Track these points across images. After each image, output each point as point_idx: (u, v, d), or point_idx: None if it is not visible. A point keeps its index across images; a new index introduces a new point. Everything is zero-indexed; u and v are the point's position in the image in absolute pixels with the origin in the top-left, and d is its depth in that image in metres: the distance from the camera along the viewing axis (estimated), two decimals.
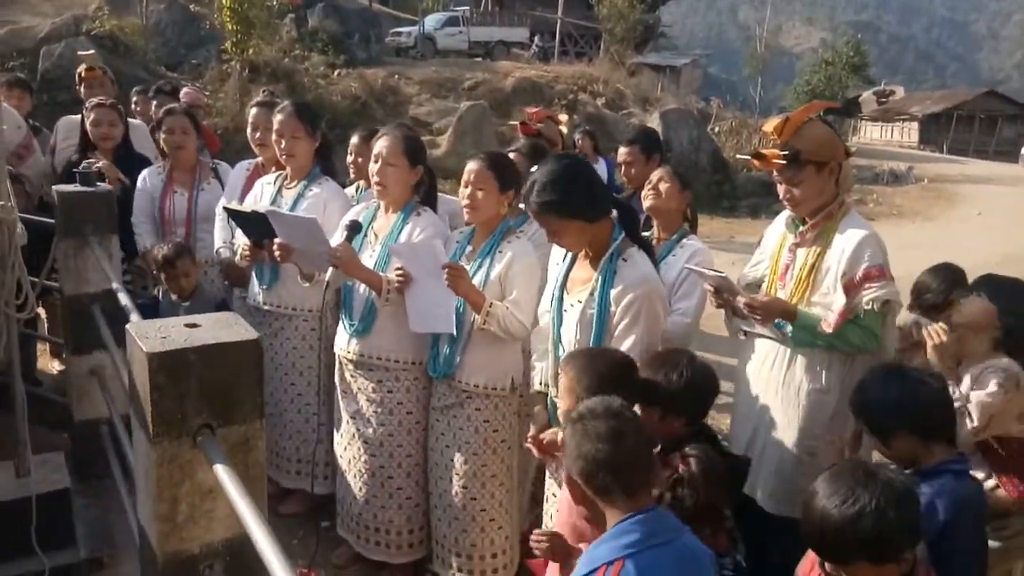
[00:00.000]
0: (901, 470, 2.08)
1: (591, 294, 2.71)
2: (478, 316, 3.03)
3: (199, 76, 16.89)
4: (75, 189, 3.49)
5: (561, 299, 2.84)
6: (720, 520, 2.24)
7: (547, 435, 2.70)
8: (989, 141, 43.39)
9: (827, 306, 2.78)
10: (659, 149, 4.53)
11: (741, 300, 2.89)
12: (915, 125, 44.73)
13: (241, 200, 4.07)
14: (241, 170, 4.38)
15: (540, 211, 2.66)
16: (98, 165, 4.29)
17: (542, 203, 2.64)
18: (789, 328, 2.85)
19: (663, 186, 3.47)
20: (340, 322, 3.50)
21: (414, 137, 3.46)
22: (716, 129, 22.39)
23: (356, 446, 3.44)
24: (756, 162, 2.92)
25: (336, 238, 3.28)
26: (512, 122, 13.97)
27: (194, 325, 1.67)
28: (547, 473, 3.02)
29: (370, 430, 3.39)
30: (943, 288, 3.22)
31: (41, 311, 4.96)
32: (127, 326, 1.69)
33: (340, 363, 3.51)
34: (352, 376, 3.45)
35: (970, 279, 3.17)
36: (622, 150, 4.50)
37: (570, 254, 2.89)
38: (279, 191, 3.88)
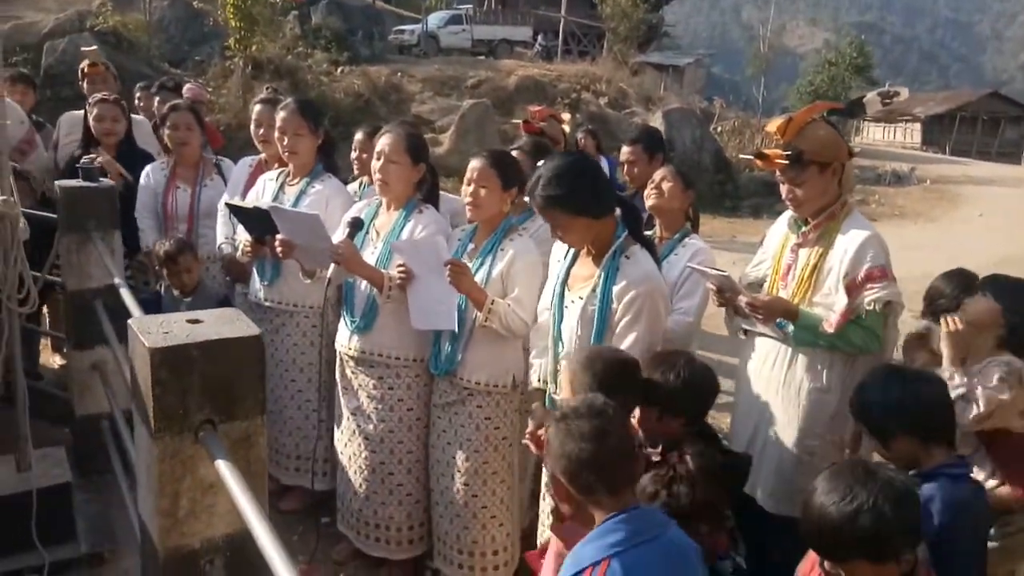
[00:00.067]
0: (902, 470, 2.08)
1: (593, 290, 2.72)
2: (480, 313, 3.04)
3: (202, 72, 16.91)
4: (78, 184, 3.50)
5: (562, 296, 2.85)
6: (719, 519, 2.24)
7: (544, 432, 2.70)
8: (992, 142, 43.33)
9: (829, 306, 2.78)
10: (662, 148, 4.52)
11: (743, 299, 2.89)
12: (918, 126, 44.68)
13: (243, 196, 4.07)
14: (244, 166, 4.38)
15: (545, 205, 2.67)
16: (99, 160, 4.30)
17: (547, 197, 2.64)
18: (791, 328, 2.85)
19: (666, 185, 3.47)
20: (341, 319, 3.51)
21: (417, 135, 3.46)
22: (719, 129, 22.38)
23: (357, 442, 3.44)
24: (759, 162, 2.92)
25: (338, 235, 3.28)
26: (515, 121, 14.01)
27: (196, 321, 1.67)
28: (543, 469, 3.03)
29: (371, 426, 3.39)
30: (956, 293, 3.21)
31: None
32: (129, 321, 1.70)
33: (341, 360, 3.51)
34: (353, 373, 3.45)
35: None
36: (625, 149, 4.50)
37: (572, 251, 2.89)
38: (281, 188, 3.88)
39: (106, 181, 3.65)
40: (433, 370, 3.28)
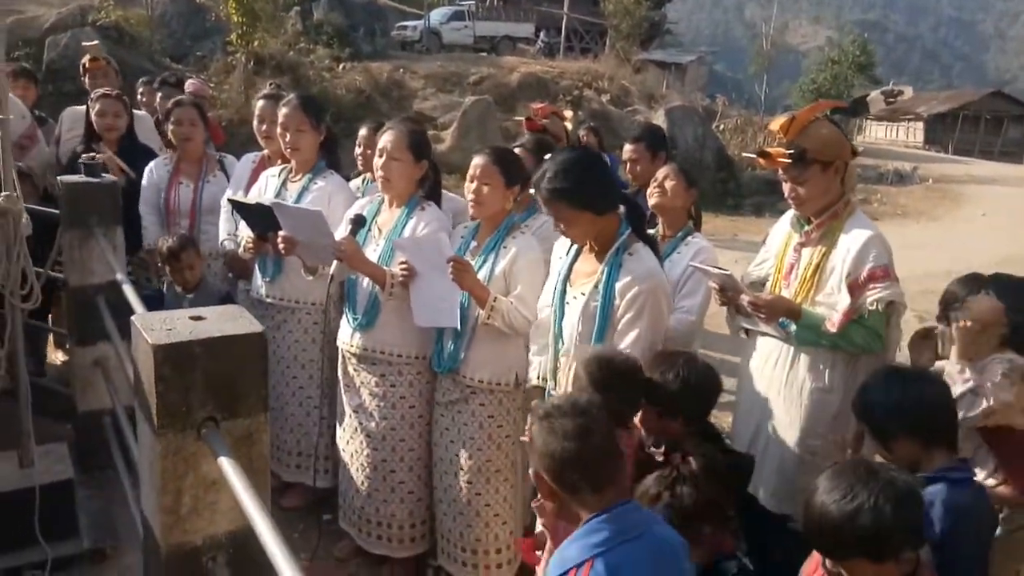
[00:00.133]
0: (905, 470, 2.08)
1: (595, 286, 2.72)
2: (482, 311, 3.03)
3: (204, 68, 16.91)
4: (80, 180, 3.50)
5: (564, 292, 2.84)
6: (723, 519, 2.23)
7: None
8: (995, 141, 43.29)
9: (831, 306, 2.78)
10: (665, 147, 4.52)
11: (745, 298, 2.89)
12: (920, 125, 44.65)
13: (246, 192, 4.07)
14: (247, 162, 4.38)
15: (550, 197, 2.67)
16: (101, 157, 4.29)
17: (552, 190, 2.65)
18: (793, 327, 2.85)
19: (668, 184, 3.46)
20: (343, 316, 3.51)
21: (419, 131, 3.46)
22: (721, 127, 22.35)
23: (359, 440, 3.45)
24: (762, 160, 2.92)
25: (340, 231, 3.28)
26: (517, 118, 13.99)
27: (199, 318, 1.67)
28: None
29: (373, 424, 3.39)
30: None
31: None
32: (132, 318, 1.70)
33: (343, 357, 3.51)
34: (355, 370, 3.45)
35: None
36: (627, 147, 4.49)
37: (574, 248, 2.89)
38: (284, 184, 3.88)
39: (108, 177, 3.65)
40: (436, 368, 3.28)
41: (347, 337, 3.45)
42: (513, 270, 3.09)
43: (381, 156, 3.32)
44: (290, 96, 3.88)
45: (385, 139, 3.32)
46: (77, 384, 3.64)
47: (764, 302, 2.85)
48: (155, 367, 1.55)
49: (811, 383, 2.86)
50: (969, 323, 2.62)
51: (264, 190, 3.93)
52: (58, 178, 3.72)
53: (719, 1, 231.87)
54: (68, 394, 3.85)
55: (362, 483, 3.46)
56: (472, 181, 3.15)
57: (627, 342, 2.66)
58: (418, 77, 20.60)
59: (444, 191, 3.67)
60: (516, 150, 3.64)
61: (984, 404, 2.51)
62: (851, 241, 2.77)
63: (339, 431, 3.58)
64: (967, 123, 43.83)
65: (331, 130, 4.04)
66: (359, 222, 3.29)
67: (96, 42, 6.93)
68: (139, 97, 6.01)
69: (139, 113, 5.29)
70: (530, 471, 1.99)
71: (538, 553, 2.41)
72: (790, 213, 3.03)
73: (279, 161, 4.08)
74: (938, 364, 2.74)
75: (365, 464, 3.44)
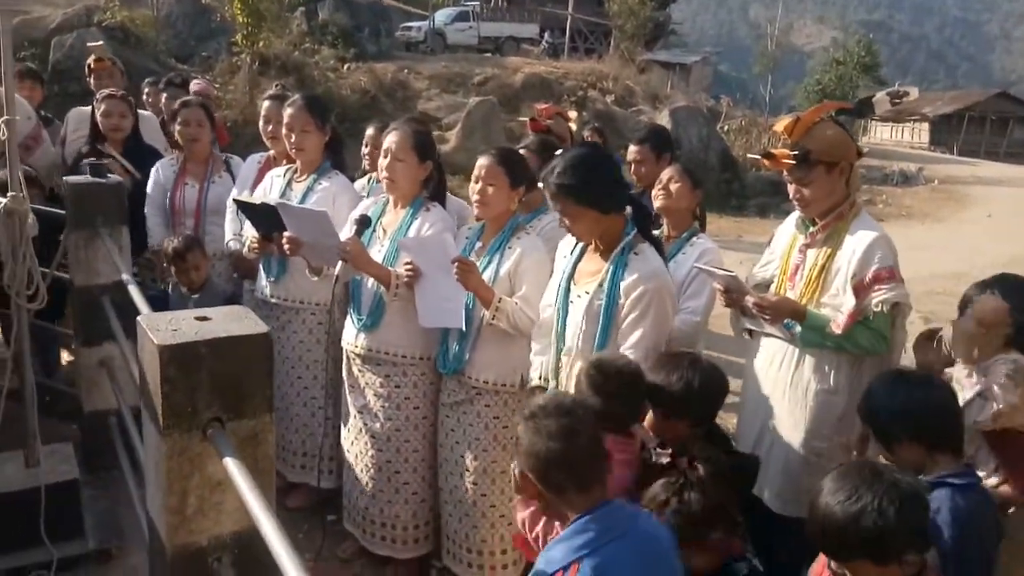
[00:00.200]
0: (910, 473, 2.07)
1: (600, 285, 2.72)
2: (487, 312, 3.04)
3: (209, 68, 16.93)
4: (85, 180, 3.51)
5: (567, 291, 2.84)
6: (732, 524, 2.23)
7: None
8: (1000, 142, 43.20)
9: (836, 307, 2.77)
10: (670, 148, 4.51)
11: (750, 300, 2.89)
12: (926, 126, 44.56)
13: (251, 193, 4.08)
14: (253, 163, 4.39)
15: (557, 192, 2.68)
16: (108, 161, 4.30)
17: (560, 185, 2.66)
18: (798, 328, 2.84)
19: (673, 186, 3.46)
20: (348, 316, 3.51)
21: (424, 132, 3.46)
22: (725, 127, 22.35)
23: (363, 441, 3.45)
24: (766, 162, 2.91)
25: (345, 232, 3.28)
26: (521, 118, 13.99)
27: (205, 318, 1.67)
28: None
29: (377, 425, 3.39)
30: None
31: None
32: (139, 318, 1.70)
33: (348, 357, 3.51)
34: (359, 371, 3.45)
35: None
36: (632, 149, 4.48)
37: (578, 247, 2.89)
38: (288, 184, 3.88)
39: (114, 177, 3.66)
40: (441, 369, 3.28)
41: (351, 338, 3.45)
42: (518, 271, 3.09)
43: (385, 157, 3.32)
44: (295, 97, 3.88)
45: (389, 140, 3.32)
46: (83, 384, 3.66)
47: (769, 303, 2.85)
48: (161, 367, 1.56)
49: (816, 384, 2.86)
50: (971, 324, 2.62)
51: (269, 190, 3.94)
52: (64, 179, 3.73)
53: (724, 1, 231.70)
54: (74, 394, 3.86)
55: (366, 484, 3.46)
56: (477, 182, 3.15)
57: (631, 342, 2.66)
58: (422, 78, 20.62)
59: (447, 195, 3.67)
60: (520, 151, 3.64)
61: (993, 407, 2.51)
62: (856, 242, 2.76)
63: (343, 432, 3.59)
64: (973, 124, 43.74)
65: (336, 130, 4.04)
66: (364, 223, 3.29)
67: (101, 43, 6.95)
68: (144, 97, 6.03)
69: (144, 113, 5.30)
70: (516, 470, 2.00)
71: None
72: (795, 214, 3.02)
73: (285, 162, 4.09)
74: (947, 371, 2.74)
75: (369, 465, 3.44)
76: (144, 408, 1.73)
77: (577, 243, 2.90)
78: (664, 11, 36.25)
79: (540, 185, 2.80)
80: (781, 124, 2.90)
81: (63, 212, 3.60)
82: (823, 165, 2.76)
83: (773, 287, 3.04)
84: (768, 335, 3.00)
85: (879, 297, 2.70)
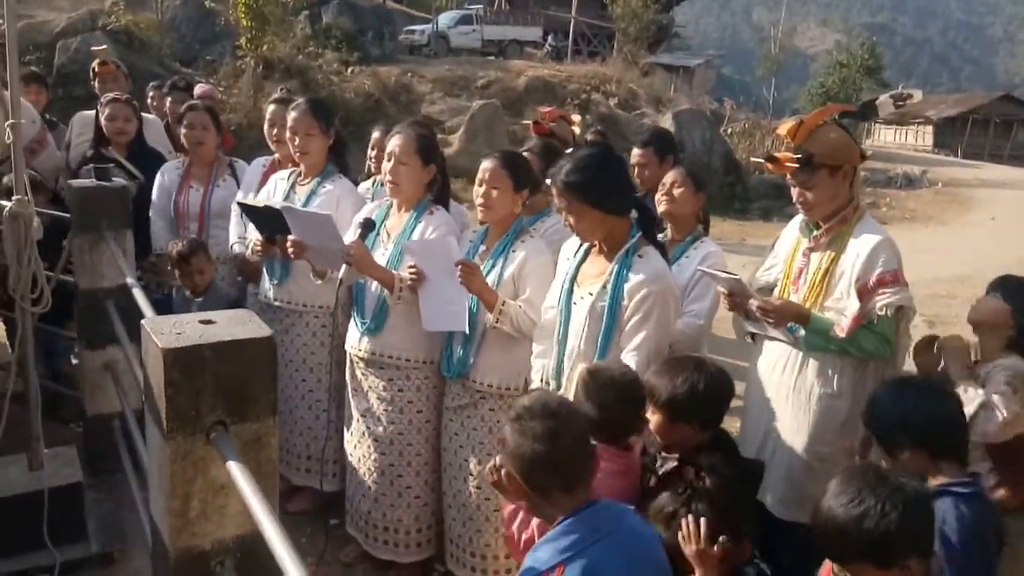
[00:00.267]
0: (916, 477, 2.06)
1: (604, 287, 2.72)
2: (491, 315, 3.03)
3: (213, 72, 16.98)
4: (90, 184, 3.51)
5: (571, 292, 2.84)
6: (739, 531, 2.22)
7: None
8: (1004, 145, 43.11)
9: (840, 311, 2.76)
10: (673, 151, 4.50)
11: (754, 303, 2.88)
12: (929, 129, 44.50)
13: (256, 196, 4.08)
14: (257, 166, 4.39)
15: (564, 189, 2.69)
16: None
17: (567, 182, 2.67)
18: (802, 332, 2.84)
19: (677, 191, 3.45)
20: (351, 320, 3.51)
21: (427, 135, 3.46)
22: (729, 130, 22.33)
23: (366, 444, 3.45)
24: (769, 165, 2.91)
25: (349, 236, 3.28)
26: (524, 121, 13.98)
27: (209, 321, 1.68)
28: None
29: (380, 428, 3.39)
30: None
31: None
32: (143, 322, 1.70)
33: (351, 361, 3.51)
34: (363, 374, 3.45)
35: (983, 284, 3.15)
36: (636, 152, 4.48)
37: (582, 249, 2.89)
38: (292, 187, 3.89)
39: (118, 180, 3.67)
40: (445, 373, 3.28)
41: (355, 341, 3.45)
42: (522, 274, 3.08)
43: (389, 160, 3.32)
44: (299, 100, 3.89)
45: (393, 143, 3.32)
46: (87, 387, 3.66)
47: (773, 307, 2.84)
48: (165, 371, 1.56)
49: (819, 388, 2.85)
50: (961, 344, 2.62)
51: (272, 193, 3.94)
52: (68, 182, 3.73)
53: (727, 4, 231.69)
54: (78, 397, 3.86)
55: (369, 488, 3.46)
56: (481, 185, 3.15)
57: (634, 344, 2.66)
58: (426, 81, 20.64)
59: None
60: (524, 154, 3.63)
61: (998, 418, 2.49)
62: (860, 246, 2.75)
63: (347, 435, 3.59)
64: (976, 127, 43.67)
65: (340, 134, 4.04)
66: (368, 226, 3.29)
67: (105, 47, 6.98)
68: (149, 101, 6.04)
69: (148, 117, 5.31)
70: (502, 471, 2.00)
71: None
72: (799, 218, 3.01)
73: (290, 165, 4.09)
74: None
75: (372, 468, 3.44)
76: (148, 411, 1.73)
77: (581, 245, 2.91)
78: (667, 14, 36.24)
79: (548, 181, 2.81)
80: (784, 127, 2.90)
81: (68, 216, 3.61)
82: (826, 168, 2.76)
83: (777, 291, 3.03)
84: (771, 339, 3.00)
85: (883, 301, 2.70)
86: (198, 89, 6.33)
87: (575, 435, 1.92)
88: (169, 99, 5.64)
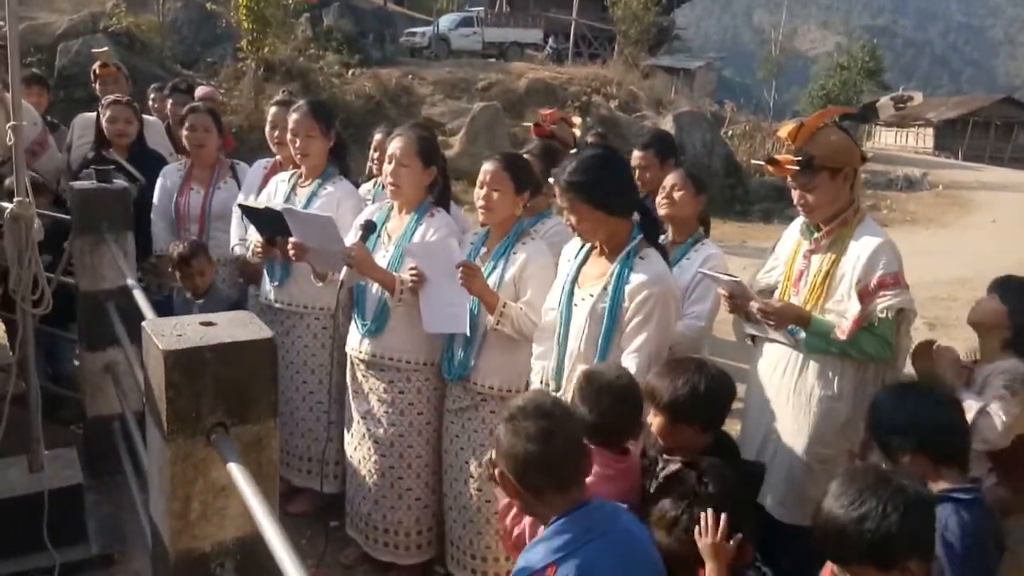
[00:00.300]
0: (918, 478, 2.05)
1: (604, 288, 2.72)
2: (491, 316, 3.03)
3: (214, 74, 17.00)
4: (91, 186, 3.51)
5: (571, 294, 2.84)
6: (740, 531, 2.22)
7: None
8: (1005, 148, 43.10)
9: (841, 313, 2.76)
10: (674, 154, 4.49)
11: (755, 305, 2.88)
12: (930, 131, 44.49)
13: (257, 198, 4.08)
14: (259, 168, 4.40)
15: (567, 188, 2.70)
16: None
17: (570, 182, 2.68)
18: (802, 334, 2.84)
19: (677, 194, 3.45)
20: (352, 322, 3.51)
21: (428, 137, 3.46)
22: (729, 132, 22.32)
23: (366, 446, 3.45)
24: (770, 168, 2.92)
25: (350, 237, 3.28)
26: (525, 123, 14.01)
27: (209, 323, 1.68)
28: None
29: (381, 430, 3.39)
30: None
31: None
32: (143, 323, 1.70)
33: (352, 363, 3.51)
34: (363, 376, 3.45)
35: (983, 287, 3.15)
36: (636, 154, 4.47)
37: (583, 251, 2.89)
38: (293, 189, 3.89)
39: (119, 182, 3.67)
40: (446, 375, 3.28)
41: (356, 343, 3.45)
42: (523, 276, 3.08)
43: (390, 162, 3.33)
44: (300, 102, 3.89)
45: (394, 145, 3.32)
46: (87, 389, 3.66)
47: (773, 309, 2.84)
48: (165, 373, 1.56)
49: (820, 391, 2.85)
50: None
51: (273, 195, 3.95)
52: (69, 184, 3.73)
53: (728, 6, 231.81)
54: (78, 399, 3.86)
55: (369, 490, 3.46)
56: (482, 187, 3.15)
57: (634, 346, 2.66)
58: (427, 83, 20.66)
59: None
60: (524, 156, 3.63)
61: (1000, 421, 2.49)
62: (861, 248, 2.76)
63: (347, 437, 3.59)
64: (977, 129, 43.68)
65: (340, 136, 4.05)
66: (369, 228, 3.30)
67: (107, 48, 6.99)
68: (150, 103, 6.05)
69: (149, 119, 5.32)
70: (496, 471, 2.00)
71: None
72: (799, 220, 3.01)
73: (291, 167, 4.09)
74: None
75: (373, 470, 3.44)
76: (148, 413, 1.73)
77: (582, 247, 2.91)
78: (668, 16, 36.25)
79: (551, 181, 2.81)
80: (785, 129, 2.90)
81: (68, 217, 3.61)
82: (827, 171, 2.76)
83: (777, 293, 3.03)
84: (772, 341, 3.00)
85: (884, 303, 2.70)
86: (199, 91, 6.34)
87: (568, 435, 1.93)
88: (170, 101, 5.65)
